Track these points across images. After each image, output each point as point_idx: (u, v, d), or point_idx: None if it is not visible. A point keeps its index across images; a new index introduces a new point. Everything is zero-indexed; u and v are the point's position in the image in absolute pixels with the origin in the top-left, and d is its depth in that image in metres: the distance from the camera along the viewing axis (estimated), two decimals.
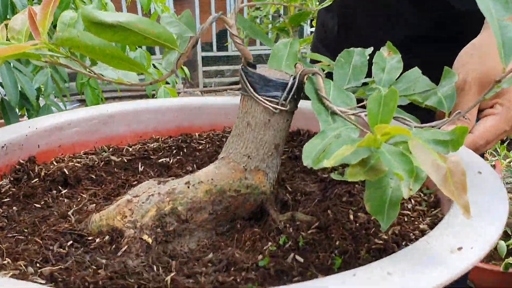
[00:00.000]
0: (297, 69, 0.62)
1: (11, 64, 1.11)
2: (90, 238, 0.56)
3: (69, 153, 0.77)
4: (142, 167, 0.78)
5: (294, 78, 0.60)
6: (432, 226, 0.53)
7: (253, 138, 0.62)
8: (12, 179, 0.66)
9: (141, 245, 0.56)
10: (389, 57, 0.68)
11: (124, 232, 0.57)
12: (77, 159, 0.76)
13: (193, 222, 0.61)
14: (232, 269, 0.51)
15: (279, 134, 0.62)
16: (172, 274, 0.51)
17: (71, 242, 0.55)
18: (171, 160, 0.80)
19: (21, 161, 0.69)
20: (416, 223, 0.54)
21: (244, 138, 0.62)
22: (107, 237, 0.56)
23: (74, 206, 0.63)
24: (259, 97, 0.59)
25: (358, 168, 0.45)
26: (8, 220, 0.59)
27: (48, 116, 0.76)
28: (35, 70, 1.26)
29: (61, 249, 0.53)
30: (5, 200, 0.63)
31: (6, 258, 0.51)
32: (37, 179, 0.68)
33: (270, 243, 0.55)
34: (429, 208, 0.58)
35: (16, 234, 0.56)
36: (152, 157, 0.80)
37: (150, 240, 0.56)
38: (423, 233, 0.52)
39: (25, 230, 0.57)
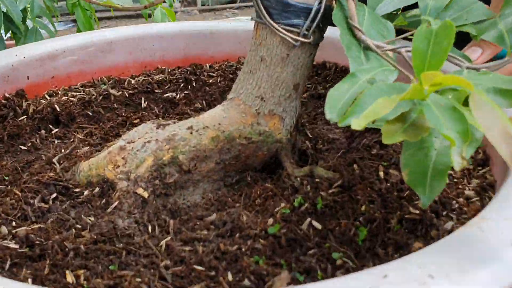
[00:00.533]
0: None
1: None
2: (77, 190, 0.49)
3: (64, 85, 0.69)
4: (146, 102, 0.69)
5: (320, 2, 0.49)
6: (479, 192, 0.43)
7: (267, 76, 0.52)
8: None
9: (135, 200, 0.48)
10: None
11: (116, 185, 0.49)
12: (73, 92, 0.67)
13: (197, 172, 0.53)
14: (237, 235, 0.44)
15: (299, 71, 0.52)
16: (168, 238, 0.44)
17: (55, 195, 0.48)
18: (178, 95, 0.71)
19: (7, 96, 0.61)
20: (460, 186, 0.45)
21: (257, 76, 0.52)
22: (96, 189, 0.49)
23: (64, 149, 0.56)
24: (275, 25, 0.49)
25: (396, 125, 0.35)
26: None
27: (39, 43, 0.67)
28: None
29: (43, 204, 0.46)
30: None
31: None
32: (24, 116, 0.60)
33: (283, 204, 0.47)
34: (476, 166, 0.48)
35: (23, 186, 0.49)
36: (156, 91, 0.71)
37: (146, 194, 0.49)
38: (468, 201, 0.43)
39: (6, 178, 0.50)
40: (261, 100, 0.53)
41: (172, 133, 0.52)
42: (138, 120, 0.66)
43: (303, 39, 0.49)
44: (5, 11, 0.97)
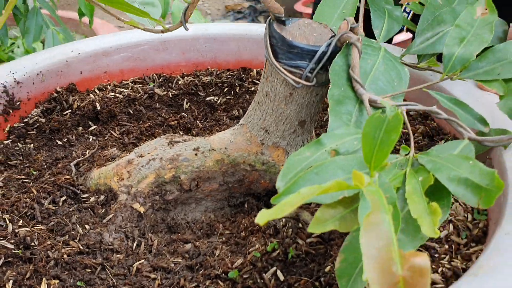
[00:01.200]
0: (339, 29, 0.48)
1: None
2: (85, 196, 0.54)
3: (115, 80, 0.74)
4: (188, 104, 0.72)
5: (328, 45, 0.47)
6: (450, 277, 0.40)
7: (272, 111, 0.51)
8: (44, 109, 0.66)
9: (130, 215, 0.52)
10: (481, 19, 0.49)
11: (118, 196, 0.53)
12: (121, 89, 0.72)
13: (199, 191, 0.55)
14: (201, 271, 0.46)
15: (305, 110, 0.51)
16: (142, 261, 0.47)
17: (65, 198, 0.53)
18: (219, 100, 0.72)
19: (58, 90, 0.68)
20: (434, 266, 0.42)
21: (262, 109, 0.52)
22: (101, 197, 0.53)
23: (91, 149, 0.61)
24: (278, 66, 0.48)
25: (334, 210, 0.34)
26: (23, 158, 0.59)
27: (93, 39, 0.72)
28: None
29: (52, 206, 0.52)
30: (31, 132, 0.63)
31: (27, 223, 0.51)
32: (69, 111, 0.66)
33: (258, 245, 0.47)
34: (470, 241, 0.44)
35: (23, 177, 0.56)
36: (200, 93, 0.74)
37: (142, 209, 0.52)
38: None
39: (33, 173, 0.57)
40: (265, 132, 0.53)
41: (177, 153, 0.54)
42: (175, 122, 0.69)
43: (304, 82, 0.47)
44: None
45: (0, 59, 1.50)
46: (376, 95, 0.45)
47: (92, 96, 0.69)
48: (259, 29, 0.77)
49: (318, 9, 0.54)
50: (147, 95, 0.72)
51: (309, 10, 1.63)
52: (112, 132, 0.66)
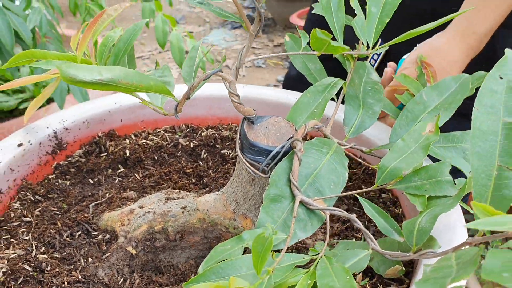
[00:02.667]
0: (296, 134, 0.58)
1: (1, 4, 1.09)
2: (95, 233, 0.68)
3: (150, 127, 0.88)
4: (205, 154, 0.85)
5: (282, 147, 0.57)
6: None
7: (240, 188, 0.62)
8: (86, 150, 0.82)
9: (124, 255, 0.65)
10: (424, 138, 0.56)
11: (118, 238, 0.67)
12: (153, 136, 0.86)
13: (184, 241, 0.68)
14: None
15: None
16: None
17: (80, 233, 0.68)
18: (231, 154, 0.84)
19: (100, 135, 0.84)
20: None
21: (235, 185, 0.63)
22: (107, 236, 0.68)
23: (113, 190, 0.75)
24: (242, 157, 0.59)
25: None
26: (60, 192, 0.75)
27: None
28: (27, 6, 1.23)
29: (69, 238, 0.67)
30: (71, 170, 0.79)
31: (31, 234, 0.67)
32: (105, 154, 0.82)
33: None
34: None
35: (56, 210, 0.71)
36: (217, 146, 0.86)
37: (134, 252, 0.66)
38: None
39: (64, 207, 0.73)
40: (236, 204, 0.64)
41: (168, 209, 0.67)
42: (191, 170, 0.82)
43: (261, 174, 0.58)
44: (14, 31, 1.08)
45: (8, 78, 1.69)
46: (312, 196, 0.54)
47: (127, 141, 0.84)
48: (273, 93, 0.87)
49: (292, 108, 0.64)
50: (172, 143, 0.85)
51: (303, 23, 1.66)
52: (136, 175, 0.80)
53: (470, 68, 1.01)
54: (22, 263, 0.62)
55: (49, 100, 1.72)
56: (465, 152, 0.63)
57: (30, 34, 1.15)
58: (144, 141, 0.85)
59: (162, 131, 0.88)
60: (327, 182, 0.55)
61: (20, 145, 0.74)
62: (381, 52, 1.00)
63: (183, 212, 0.66)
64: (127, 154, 0.81)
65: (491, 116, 0.42)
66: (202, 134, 0.88)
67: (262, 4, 0.55)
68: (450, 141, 0.62)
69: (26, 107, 1.66)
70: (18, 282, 0.61)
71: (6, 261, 0.62)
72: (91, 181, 0.78)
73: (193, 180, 0.80)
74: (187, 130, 0.88)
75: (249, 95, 0.89)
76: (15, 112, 1.69)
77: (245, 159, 0.58)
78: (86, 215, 0.70)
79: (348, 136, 0.64)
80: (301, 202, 0.53)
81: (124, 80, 0.55)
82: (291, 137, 0.58)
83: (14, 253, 0.64)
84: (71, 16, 1.86)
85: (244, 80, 2.90)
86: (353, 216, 0.51)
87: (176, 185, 0.78)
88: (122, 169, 0.81)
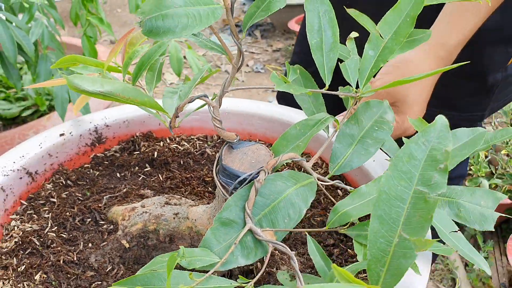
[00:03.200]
0: (267, 164, 0.60)
1: (4, 18, 1.13)
2: (101, 222, 0.77)
3: (186, 133, 0.95)
4: None
5: (250, 174, 0.60)
6: None
7: (218, 206, 0.66)
8: (122, 147, 0.91)
9: (118, 246, 0.73)
10: None
11: (117, 230, 0.75)
12: (185, 142, 0.93)
13: (174, 245, 0.73)
14: None
15: None
16: (99, 282, 0.68)
17: (89, 220, 0.77)
18: None
19: (137, 135, 0.92)
20: None
21: (216, 202, 0.67)
22: (111, 227, 0.76)
23: (130, 186, 0.84)
24: (216, 178, 0.62)
25: None
26: (89, 180, 0.85)
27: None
28: (29, 20, 1.25)
29: (79, 223, 0.76)
30: (105, 162, 0.89)
31: (50, 214, 0.77)
32: (137, 152, 0.90)
33: None
34: None
35: (79, 195, 0.82)
36: None
37: (127, 245, 0.73)
38: None
39: (87, 194, 0.82)
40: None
41: (162, 213, 0.73)
42: (210, 179, 0.87)
43: (228, 196, 0.61)
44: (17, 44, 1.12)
45: (10, 86, 1.77)
46: (266, 227, 0.56)
47: (161, 143, 0.92)
48: (299, 116, 0.89)
49: (280, 138, 0.66)
50: (200, 151, 0.92)
51: None
52: (159, 175, 0.87)
53: (461, 85, 0.98)
54: (34, 237, 0.73)
55: (52, 109, 1.80)
56: (459, 209, 0.61)
57: (32, 47, 1.18)
58: (176, 145, 0.92)
59: (195, 139, 0.95)
60: (283, 215, 0.57)
61: (61, 135, 0.85)
62: None
63: (174, 218, 0.72)
64: (155, 156, 0.89)
65: (403, 182, 0.41)
66: (196, 144, 0.93)
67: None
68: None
69: (28, 115, 1.74)
70: (25, 253, 0.71)
71: (21, 232, 0.73)
72: (118, 174, 0.87)
73: (210, 189, 0.86)
74: (217, 141, 0.94)
75: (265, 113, 0.92)
76: (17, 120, 1.73)
77: (219, 180, 0.62)
78: (99, 205, 0.79)
79: (331, 173, 0.64)
80: (250, 230, 0.55)
81: (122, 94, 0.62)
82: (261, 167, 0.60)
83: (30, 227, 0.74)
84: (70, 21, 1.82)
85: (242, 86, 2.86)
86: (292, 254, 0.52)
87: (193, 191, 0.84)
88: (148, 168, 0.89)
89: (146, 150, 0.90)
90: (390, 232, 0.41)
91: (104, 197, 0.80)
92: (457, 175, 1.22)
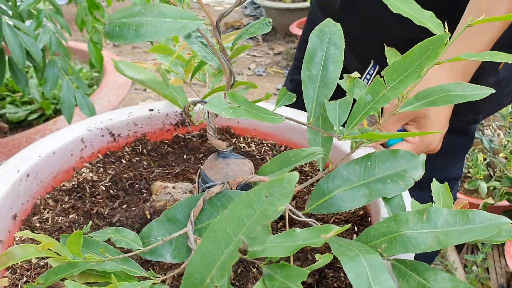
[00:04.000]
0: (233, 180, 0.62)
1: (13, 24, 1.15)
2: (144, 190, 0.88)
3: (259, 137, 1.00)
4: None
5: (213, 186, 0.63)
6: None
7: None
8: (200, 134, 1.00)
9: (141, 215, 0.83)
10: None
11: (147, 201, 0.85)
12: (256, 144, 0.98)
13: None
14: None
15: None
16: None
17: (138, 185, 0.89)
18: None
19: (218, 127, 1.00)
20: None
21: None
22: (148, 197, 0.86)
23: (190, 169, 0.93)
24: (196, 179, 0.67)
25: None
26: (159, 154, 0.97)
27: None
28: (37, 26, 1.25)
29: (128, 185, 0.89)
30: (181, 143, 0.99)
31: (113, 171, 0.92)
32: (209, 141, 0.99)
33: None
34: None
35: (144, 164, 0.94)
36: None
37: (148, 216, 0.83)
38: None
39: (151, 164, 0.94)
40: None
41: (179, 198, 0.80)
42: None
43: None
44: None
45: (16, 90, 1.76)
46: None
47: (233, 140, 0.99)
48: None
49: (269, 162, 0.66)
50: (261, 157, 0.95)
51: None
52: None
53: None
54: (88, 185, 0.88)
55: (59, 113, 1.81)
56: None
57: (40, 53, 1.21)
58: (244, 145, 0.98)
59: (265, 144, 0.98)
60: None
61: (151, 110, 0.98)
62: (373, 73, 1.10)
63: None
64: (208, 147, 0.96)
65: (233, 227, 0.41)
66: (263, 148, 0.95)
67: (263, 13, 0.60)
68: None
69: (34, 118, 1.79)
70: (76, 195, 0.86)
71: (82, 178, 0.89)
72: (184, 156, 0.97)
73: None
74: (282, 150, 0.96)
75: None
76: (23, 123, 1.76)
77: (197, 181, 0.67)
78: (151, 176, 0.90)
79: (306, 210, 0.63)
80: (185, 234, 0.59)
81: (150, 84, 0.72)
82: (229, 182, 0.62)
83: (91, 177, 0.90)
84: (75, 25, 1.74)
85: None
86: None
87: None
88: (200, 155, 0.96)
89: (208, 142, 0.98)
90: (205, 270, 0.41)
91: (156, 171, 0.91)
92: (453, 177, 1.25)
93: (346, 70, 1.23)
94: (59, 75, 1.28)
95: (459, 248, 1.97)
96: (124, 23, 0.51)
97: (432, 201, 1.29)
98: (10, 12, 1.24)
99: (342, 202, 0.59)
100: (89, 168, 0.92)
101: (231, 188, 0.60)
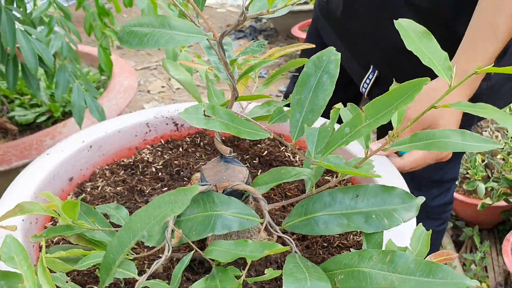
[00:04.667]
0: (220, 184, 0.66)
1: (25, 30, 1.17)
2: (186, 179, 0.97)
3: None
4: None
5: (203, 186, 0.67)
6: None
7: None
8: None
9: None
10: None
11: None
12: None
13: None
14: None
15: None
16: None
17: (182, 173, 0.97)
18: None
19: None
20: None
21: None
22: (186, 185, 0.95)
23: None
24: (198, 176, 0.74)
25: None
26: (213, 149, 1.04)
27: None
28: (49, 33, 1.27)
29: (175, 172, 0.97)
30: (235, 142, 1.06)
31: (168, 156, 1.02)
32: (259, 145, 1.04)
33: None
34: None
35: (196, 156, 1.02)
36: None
37: None
38: None
39: (202, 157, 1.02)
40: None
41: None
42: (290, 194, 0.95)
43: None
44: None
45: (25, 92, 1.74)
46: (183, 231, 0.63)
47: (281, 148, 1.04)
48: None
49: (264, 174, 0.69)
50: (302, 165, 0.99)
51: (305, 35, 1.41)
52: (258, 171, 1.00)
53: None
54: (142, 164, 0.99)
55: (67, 115, 1.79)
56: None
57: (52, 58, 1.23)
58: (289, 154, 1.02)
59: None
60: (191, 227, 0.60)
61: None
62: (372, 78, 1.11)
63: None
64: (264, 154, 1.02)
65: (130, 235, 0.48)
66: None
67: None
68: None
69: (43, 121, 1.80)
70: (129, 171, 0.98)
71: (140, 157, 1.00)
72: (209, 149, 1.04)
73: (278, 199, 0.94)
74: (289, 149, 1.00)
75: None
76: (32, 126, 1.75)
77: (200, 178, 0.73)
78: (195, 166, 0.99)
79: (283, 226, 0.65)
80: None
81: (185, 85, 0.80)
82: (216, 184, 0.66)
83: (147, 158, 1.00)
84: (82, 27, 1.69)
85: (246, 91, 2.20)
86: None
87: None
88: (256, 162, 1.02)
89: (265, 147, 1.03)
90: (117, 253, 0.49)
91: (202, 163, 0.99)
92: (450, 178, 1.27)
93: (346, 72, 1.25)
94: (69, 80, 1.31)
95: (457, 246, 1.99)
96: (131, 31, 0.59)
97: (430, 202, 1.27)
98: (19, 16, 1.27)
99: (315, 226, 0.59)
100: (149, 150, 1.04)
101: (217, 191, 0.65)
